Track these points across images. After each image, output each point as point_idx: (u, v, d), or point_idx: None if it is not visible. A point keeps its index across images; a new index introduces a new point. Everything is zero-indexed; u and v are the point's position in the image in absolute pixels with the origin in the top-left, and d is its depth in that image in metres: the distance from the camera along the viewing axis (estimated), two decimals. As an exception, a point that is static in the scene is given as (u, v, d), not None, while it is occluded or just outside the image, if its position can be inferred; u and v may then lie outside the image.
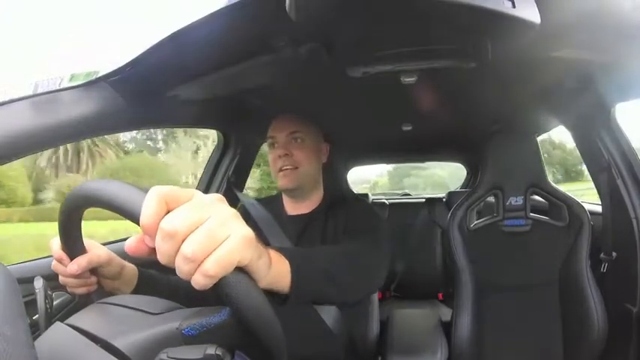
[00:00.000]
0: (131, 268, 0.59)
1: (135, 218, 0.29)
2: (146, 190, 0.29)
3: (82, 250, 0.47)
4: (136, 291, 0.58)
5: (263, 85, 0.81)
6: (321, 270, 0.50)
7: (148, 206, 0.27)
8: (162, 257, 0.27)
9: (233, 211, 0.30)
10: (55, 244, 0.46)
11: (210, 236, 0.27)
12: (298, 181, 0.80)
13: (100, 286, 0.52)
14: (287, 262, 0.40)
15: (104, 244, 0.56)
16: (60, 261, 0.47)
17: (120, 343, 0.35)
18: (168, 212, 0.27)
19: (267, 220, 0.82)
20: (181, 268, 0.27)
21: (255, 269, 0.33)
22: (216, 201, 0.29)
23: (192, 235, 0.26)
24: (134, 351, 0.35)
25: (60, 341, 0.40)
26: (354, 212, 0.81)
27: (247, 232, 0.29)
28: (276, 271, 0.37)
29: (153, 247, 0.27)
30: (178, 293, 0.66)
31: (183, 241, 0.26)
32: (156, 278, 0.64)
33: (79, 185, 0.37)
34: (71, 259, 0.46)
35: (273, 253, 0.38)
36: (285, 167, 0.80)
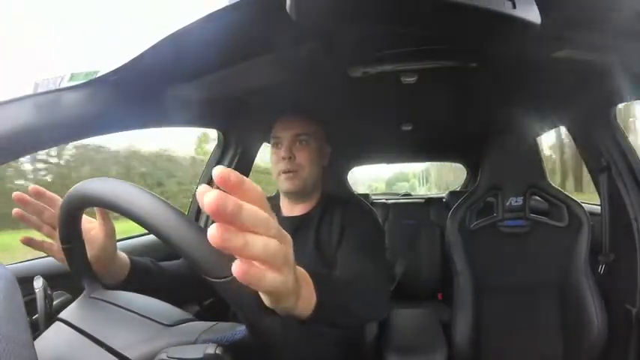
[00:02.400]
0: (124, 258, 0.59)
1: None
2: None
3: (79, 236, 0.46)
4: (128, 282, 0.58)
5: (263, 85, 0.81)
6: (341, 305, 0.48)
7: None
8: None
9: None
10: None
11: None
12: (300, 184, 0.80)
13: (92, 273, 0.51)
14: (314, 297, 0.38)
15: None
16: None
17: (132, 354, 0.35)
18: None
19: None
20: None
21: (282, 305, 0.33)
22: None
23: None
24: None
25: (60, 341, 0.40)
26: (352, 216, 0.80)
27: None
28: (301, 307, 0.36)
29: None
30: (171, 286, 0.66)
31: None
32: (150, 270, 0.64)
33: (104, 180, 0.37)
34: (64, 244, 0.45)
35: (304, 289, 0.37)
36: (286, 170, 0.79)
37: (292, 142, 0.80)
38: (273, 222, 0.27)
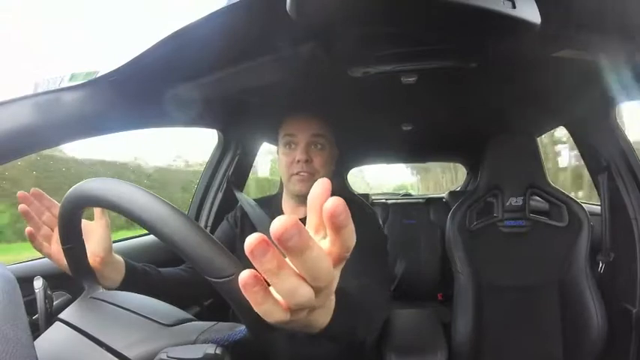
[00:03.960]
0: (119, 260, 0.59)
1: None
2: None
3: (79, 238, 0.46)
4: (125, 284, 0.58)
5: (263, 85, 0.80)
6: (350, 325, 0.47)
7: None
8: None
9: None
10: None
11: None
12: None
13: (93, 277, 0.51)
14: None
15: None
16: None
17: (132, 354, 0.35)
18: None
19: (263, 222, 0.82)
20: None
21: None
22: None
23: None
24: None
25: (60, 341, 0.40)
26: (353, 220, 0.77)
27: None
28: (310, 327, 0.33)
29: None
30: (169, 291, 0.66)
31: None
32: (147, 274, 0.64)
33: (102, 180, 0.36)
34: (65, 245, 0.46)
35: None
36: (302, 172, 0.76)
37: (309, 144, 0.77)
38: (333, 280, 0.23)
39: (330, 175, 0.82)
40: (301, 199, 0.82)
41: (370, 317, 0.57)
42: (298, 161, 0.76)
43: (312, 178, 0.77)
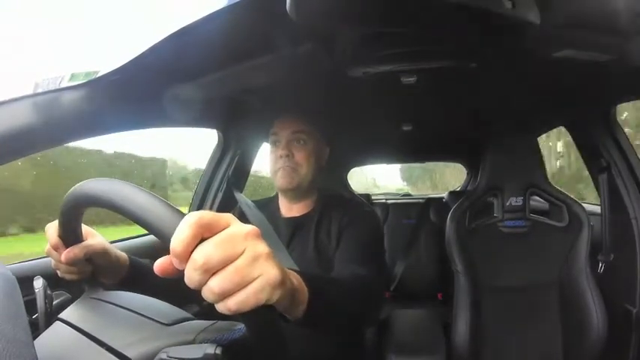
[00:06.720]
0: (123, 257, 0.59)
1: (164, 240, 0.28)
2: (181, 214, 0.29)
3: (79, 239, 0.46)
4: (126, 280, 0.58)
5: (263, 85, 0.81)
6: (335, 304, 0.50)
7: (182, 233, 0.26)
8: (190, 283, 0.27)
9: (266, 249, 0.30)
10: (52, 228, 0.46)
11: (239, 275, 0.27)
12: (296, 182, 0.80)
13: (92, 275, 0.51)
14: (306, 291, 0.39)
15: (112, 242, 0.56)
16: (55, 248, 0.46)
17: (131, 353, 0.35)
18: (202, 239, 0.27)
19: (261, 222, 0.82)
20: (206, 296, 0.27)
21: (279, 305, 0.33)
22: (251, 235, 0.29)
23: (223, 272, 0.27)
24: None
25: (60, 341, 0.40)
26: (351, 218, 0.79)
27: (277, 273, 0.29)
28: (295, 301, 0.37)
29: (181, 269, 0.28)
30: (169, 287, 0.66)
31: (213, 274, 0.27)
32: (148, 269, 0.64)
33: (98, 180, 0.36)
34: (67, 247, 0.46)
35: (295, 281, 0.37)
36: (284, 167, 0.79)
37: (290, 141, 0.80)
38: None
39: (315, 170, 0.83)
40: (291, 197, 0.84)
41: (361, 302, 0.59)
42: (280, 156, 0.79)
43: (294, 174, 0.79)
